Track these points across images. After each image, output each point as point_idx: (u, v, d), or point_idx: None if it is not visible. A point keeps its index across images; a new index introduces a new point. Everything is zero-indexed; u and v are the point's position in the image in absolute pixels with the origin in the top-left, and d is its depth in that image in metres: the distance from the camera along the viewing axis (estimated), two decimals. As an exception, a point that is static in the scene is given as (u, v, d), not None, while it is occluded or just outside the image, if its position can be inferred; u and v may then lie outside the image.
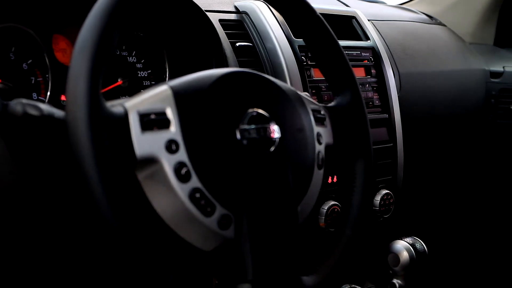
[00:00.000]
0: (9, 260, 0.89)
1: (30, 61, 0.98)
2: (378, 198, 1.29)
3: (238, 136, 0.73)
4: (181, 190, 0.68)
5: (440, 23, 1.87)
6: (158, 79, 1.15)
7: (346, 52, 1.14)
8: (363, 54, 1.35)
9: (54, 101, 1.00)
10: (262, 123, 0.76)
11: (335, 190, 1.22)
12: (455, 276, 1.87)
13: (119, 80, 1.08)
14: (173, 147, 0.68)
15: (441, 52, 1.68)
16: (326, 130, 0.87)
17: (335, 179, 1.22)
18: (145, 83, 1.13)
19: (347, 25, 1.40)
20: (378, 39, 1.41)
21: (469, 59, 1.78)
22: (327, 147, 0.87)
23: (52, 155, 0.82)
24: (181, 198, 0.68)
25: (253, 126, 0.74)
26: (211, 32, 1.09)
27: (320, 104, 0.90)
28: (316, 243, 1.19)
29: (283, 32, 1.21)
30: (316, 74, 1.22)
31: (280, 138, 0.77)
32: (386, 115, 1.35)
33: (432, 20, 1.87)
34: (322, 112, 0.88)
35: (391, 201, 1.31)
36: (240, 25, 1.22)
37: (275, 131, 0.77)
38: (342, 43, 1.20)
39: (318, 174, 0.84)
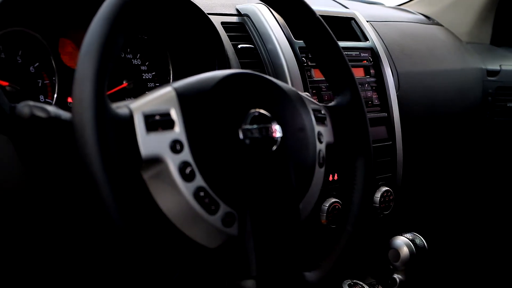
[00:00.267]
0: (15, 259, 0.89)
1: (37, 64, 0.98)
2: (378, 195, 1.29)
3: (241, 135, 0.73)
4: (186, 189, 0.68)
5: (437, 23, 1.87)
6: (162, 81, 1.15)
7: (346, 52, 1.13)
8: (362, 54, 1.35)
9: (61, 103, 1.00)
10: (264, 123, 0.76)
11: (336, 187, 1.22)
12: (454, 270, 1.87)
13: (124, 82, 1.08)
14: (178, 147, 0.68)
15: (438, 52, 1.68)
16: (326, 129, 0.87)
17: (336, 177, 1.22)
18: (150, 85, 1.13)
19: (346, 26, 1.40)
20: (377, 39, 1.41)
21: (466, 58, 1.77)
22: (328, 145, 0.87)
23: (59, 156, 0.82)
24: (185, 196, 0.68)
25: (255, 126, 0.75)
26: (213, 35, 1.09)
27: (321, 104, 0.90)
28: (318, 240, 1.19)
29: (284, 34, 1.21)
30: (317, 75, 1.22)
31: (281, 138, 0.77)
32: (385, 114, 1.35)
33: (429, 20, 1.87)
34: (323, 112, 0.88)
35: (391, 198, 1.31)
36: (242, 27, 1.23)
37: (277, 131, 0.77)
38: (342, 44, 1.19)
39: (319, 172, 0.84)
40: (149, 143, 0.67)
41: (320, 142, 0.85)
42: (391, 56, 1.46)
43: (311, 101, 0.88)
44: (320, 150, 0.84)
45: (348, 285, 1.31)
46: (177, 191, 0.68)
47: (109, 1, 0.67)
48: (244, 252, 0.72)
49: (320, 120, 0.86)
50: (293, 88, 0.87)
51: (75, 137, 0.62)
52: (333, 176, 1.22)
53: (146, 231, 0.65)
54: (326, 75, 0.94)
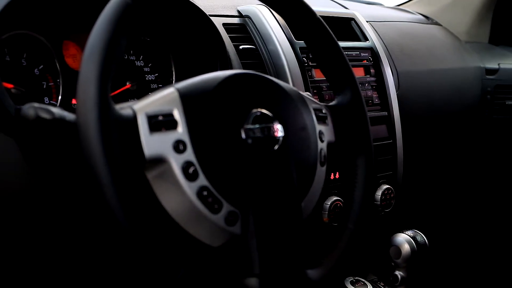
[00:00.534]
0: (20, 259, 0.89)
1: (41, 66, 0.98)
2: (379, 193, 1.29)
3: (243, 135, 0.73)
4: (189, 188, 0.68)
5: (436, 23, 1.87)
6: (165, 82, 1.15)
7: (346, 52, 1.13)
8: (362, 54, 1.35)
9: (65, 105, 1.00)
10: (266, 122, 0.76)
11: (337, 186, 1.22)
12: (455, 266, 1.87)
13: (127, 83, 1.08)
14: (181, 147, 0.68)
15: (437, 51, 1.67)
16: (327, 128, 0.87)
17: (337, 176, 1.22)
18: (153, 86, 1.13)
19: (346, 26, 1.40)
20: (377, 39, 1.41)
21: (465, 57, 1.77)
22: (329, 144, 0.87)
23: (64, 157, 0.82)
24: (189, 196, 0.68)
25: (257, 126, 0.74)
26: (215, 36, 1.09)
27: (322, 103, 0.89)
28: (320, 238, 1.18)
29: (285, 34, 1.20)
30: (317, 75, 1.22)
31: (283, 137, 0.77)
32: (385, 113, 1.34)
33: (428, 20, 1.87)
34: (324, 111, 0.88)
35: (392, 195, 1.31)
36: (243, 28, 1.22)
37: (279, 130, 0.77)
38: (342, 44, 1.19)
39: (321, 171, 0.84)
40: (153, 143, 0.67)
41: (322, 141, 0.85)
42: (390, 56, 1.46)
43: (312, 100, 0.88)
44: (321, 149, 0.84)
45: (350, 282, 1.31)
46: (181, 190, 0.68)
47: (112, 4, 0.67)
48: (247, 251, 0.71)
49: (321, 119, 0.86)
50: (294, 88, 0.87)
51: (80, 138, 0.61)
52: (335, 175, 1.22)
53: (151, 230, 0.64)
54: (327, 75, 0.94)
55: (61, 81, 1.00)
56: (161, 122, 0.68)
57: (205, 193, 0.69)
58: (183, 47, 1.14)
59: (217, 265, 0.82)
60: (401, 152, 1.36)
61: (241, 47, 1.16)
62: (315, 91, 1.20)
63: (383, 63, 1.37)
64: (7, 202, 0.83)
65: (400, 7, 2.05)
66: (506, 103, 1.72)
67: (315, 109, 0.86)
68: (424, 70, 1.56)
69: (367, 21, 1.45)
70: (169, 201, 0.70)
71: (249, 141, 0.73)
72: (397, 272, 1.20)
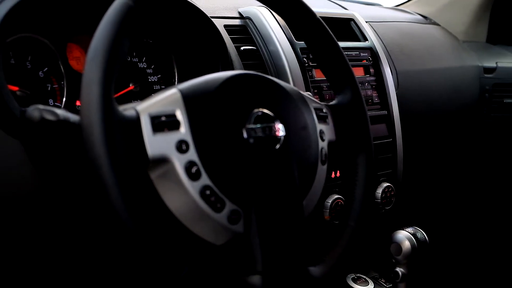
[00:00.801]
0: (27, 260, 0.89)
1: (46, 69, 0.98)
2: (379, 191, 1.29)
3: (245, 135, 0.73)
4: (192, 187, 0.68)
5: (434, 23, 1.87)
6: (168, 83, 1.15)
7: (346, 52, 1.13)
8: (361, 54, 1.34)
9: (70, 107, 1.00)
10: (267, 122, 0.75)
11: (338, 184, 1.22)
12: (455, 263, 1.87)
13: (130, 85, 1.08)
14: (184, 147, 0.68)
15: (436, 51, 1.67)
16: (328, 128, 0.87)
17: (338, 174, 1.22)
18: (155, 87, 1.13)
19: (345, 27, 1.40)
20: (376, 39, 1.41)
21: (463, 56, 1.77)
22: (330, 143, 0.87)
23: (69, 158, 0.82)
24: (192, 195, 0.68)
25: (258, 125, 0.74)
26: (216, 37, 1.09)
27: (322, 103, 0.89)
28: (322, 235, 1.18)
29: (285, 35, 1.20)
30: (318, 75, 1.22)
31: (284, 136, 0.77)
32: (385, 112, 1.34)
33: (427, 20, 1.87)
34: (324, 111, 0.88)
35: (392, 193, 1.31)
36: (244, 30, 1.22)
37: (280, 130, 0.77)
38: (342, 44, 1.19)
39: (322, 169, 0.84)
40: (156, 143, 0.67)
41: (322, 140, 0.84)
42: (390, 56, 1.46)
43: (313, 100, 0.88)
44: (322, 148, 0.84)
45: (352, 279, 1.31)
46: (184, 190, 0.68)
47: (115, 6, 0.67)
48: (250, 249, 0.71)
49: (322, 119, 0.86)
50: (295, 88, 0.87)
51: (84, 139, 0.61)
52: (336, 173, 1.22)
53: (155, 230, 0.64)
54: (327, 75, 0.94)
55: (65, 83, 1.00)
56: (164, 123, 0.68)
57: (208, 192, 0.69)
58: (185, 49, 1.14)
59: (220, 263, 0.81)
60: (401, 150, 1.36)
61: (242, 48, 1.16)
62: (315, 90, 1.20)
63: (382, 62, 1.37)
64: (13, 203, 0.83)
65: (399, 7, 2.04)
66: (504, 101, 1.72)
67: (315, 109, 0.86)
68: (423, 70, 1.56)
69: (366, 22, 1.45)
70: (172, 201, 0.70)
71: (251, 140, 0.73)
72: (398, 269, 1.20)
